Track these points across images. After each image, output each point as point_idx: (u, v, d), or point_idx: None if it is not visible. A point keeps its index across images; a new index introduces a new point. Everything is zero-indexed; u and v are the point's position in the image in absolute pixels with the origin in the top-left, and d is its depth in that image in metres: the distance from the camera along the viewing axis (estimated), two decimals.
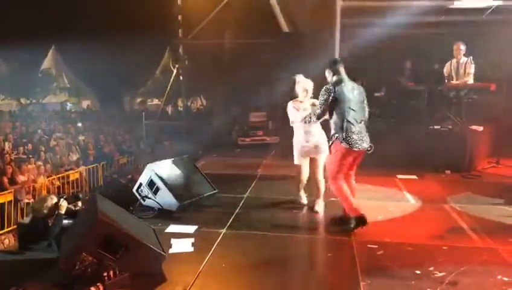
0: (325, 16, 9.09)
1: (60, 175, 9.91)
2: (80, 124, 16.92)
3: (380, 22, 9.08)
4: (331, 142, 4.32)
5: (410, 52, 8.71)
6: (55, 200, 3.95)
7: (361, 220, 4.12)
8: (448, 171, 6.82)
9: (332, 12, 8.75)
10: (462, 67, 7.14)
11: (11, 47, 20.52)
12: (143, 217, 4.70)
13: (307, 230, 4.52)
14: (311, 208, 4.97)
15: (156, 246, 3.45)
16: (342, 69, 4.29)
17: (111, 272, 3.10)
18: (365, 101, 4.38)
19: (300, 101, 4.92)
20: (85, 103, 28.41)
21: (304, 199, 5.17)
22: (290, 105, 4.95)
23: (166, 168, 5.25)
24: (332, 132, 4.27)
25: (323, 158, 4.85)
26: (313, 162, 4.96)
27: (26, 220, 4.26)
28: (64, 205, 3.98)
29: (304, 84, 4.89)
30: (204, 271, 3.46)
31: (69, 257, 3.16)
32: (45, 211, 3.87)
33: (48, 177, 9.68)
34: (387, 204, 5.25)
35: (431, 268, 3.44)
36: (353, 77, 4.49)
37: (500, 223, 4.58)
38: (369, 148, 4.25)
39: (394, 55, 8.79)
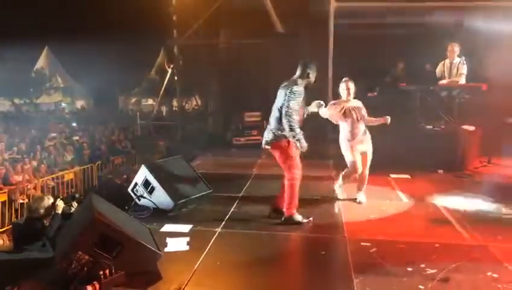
0: (318, 16, 9.17)
1: (54, 175, 9.88)
2: (74, 124, 16.87)
3: (372, 22, 9.18)
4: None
5: (403, 53, 8.79)
6: (51, 200, 3.96)
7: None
8: (440, 171, 6.90)
9: (326, 13, 8.83)
10: (455, 68, 7.22)
11: (4, 47, 20.41)
12: (138, 216, 4.73)
13: (301, 229, 4.56)
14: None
15: (151, 244, 3.48)
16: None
17: (107, 271, 3.12)
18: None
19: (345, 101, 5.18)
20: (79, 103, 28.33)
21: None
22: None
23: (161, 168, 5.28)
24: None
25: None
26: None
27: (22, 220, 4.27)
28: (60, 205, 4.00)
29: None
30: (199, 269, 3.49)
31: (65, 255, 3.18)
32: (42, 211, 3.89)
33: (42, 177, 9.65)
34: (380, 203, 5.31)
35: (423, 265, 3.50)
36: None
37: (490, 221, 4.66)
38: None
39: (386, 56, 8.86)
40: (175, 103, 21.26)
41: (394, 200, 5.50)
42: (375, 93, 8.45)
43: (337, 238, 4.16)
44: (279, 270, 3.63)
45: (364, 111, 5.20)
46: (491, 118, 7.51)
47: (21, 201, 8.74)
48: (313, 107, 4.76)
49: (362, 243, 3.97)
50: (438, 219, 4.74)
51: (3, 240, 7.43)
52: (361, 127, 5.15)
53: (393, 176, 6.60)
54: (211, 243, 4.03)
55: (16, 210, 8.55)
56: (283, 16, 9.93)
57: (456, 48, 7.29)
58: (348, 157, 5.15)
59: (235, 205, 5.24)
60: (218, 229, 4.38)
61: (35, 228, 3.84)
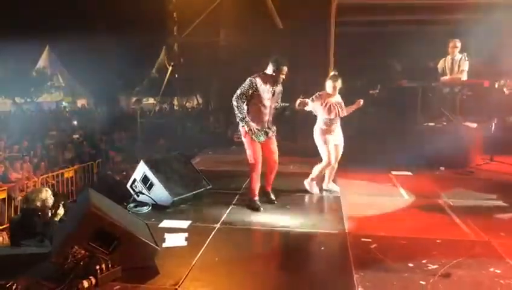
0: (319, 13, 9.12)
1: (54, 173, 9.86)
2: (75, 122, 16.87)
3: (373, 19, 9.13)
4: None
5: (403, 49, 8.73)
6: (49, 193, 3.92)
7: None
8: (442, 168, 6.85)
9: (327, 10, 8.79)
10: (457, 64, 7.17)
11: (5, 46, 20.40)
12: (137, 212, 4.69)
13: (299, 225, 4.50)
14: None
15: (149, 239, 3.43)
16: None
17: (103, 266, 3.08)
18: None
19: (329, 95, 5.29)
20: (80, 102, 28.33)
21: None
22: None
23: (160, 164, 5.24)
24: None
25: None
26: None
27: (19, 214, 4.24)
28: (60, 213, 3.96)
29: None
30: (197, 265, 3.44)
31: (60, 250, 3.14)
32: (38, 203, 3.85)
33: (42, 175, 9.63)
34: (381, 199, 5.26)
35: (424, 261, 3.45)
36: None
37: (493, 218, 4.61)
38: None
39: (387, 52, 8.82)
40: (176, 102, 21.25)
41: (395, 196, 5.44)
42: (377, 91, 8.41)
43: (337, 234, 4.11)
44: (279, 266, 3.58)
45: (343, 105, 5.31)
46: (494, 114, 7.46)
47: (20, 198, 8.72)
48: (297, 104, 4.99)
49: (363, 239, 3.92)
50: (440, 215, 4.69)
51: (2, 237, 7.39)
52: (339, 122, 5.33)
53: (394, 173, 6.54)
54: (209, 238, 3.98)
55: (16, 207, 8.53)
56: (284, 12, 9.89)
57: (458, 44, 7.23)
58: (324, 151, 5.24)
59: (234, 201, 5.20)
60: (217, 225, 4.34)
61: (31, 221, 3.80)
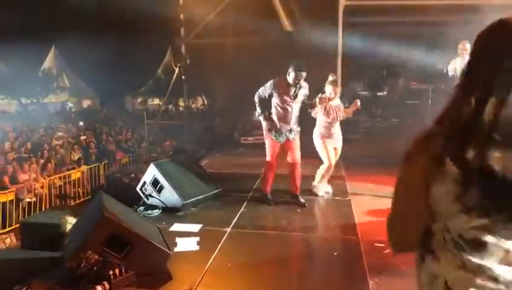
0: (327, 15, 9.08)
1: (61, 174, 9.88)
2: (81, 123, 16.91)
3: (382, 20, 9.08)
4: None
5: (412, 50, 8.68)
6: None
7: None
8: None
9: (335, 11, 8.75)
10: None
11: (11, 46, 20.49)
12: (147, 215, 4.68)
13: (312, 229, 4.49)
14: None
15: (161, 244, 3.42)
16: None
17: (117, 271, 3.07)
18: None
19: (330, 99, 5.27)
20: (85, 103, 28.42)
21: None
22: None
23: (170, 167, 5.23)
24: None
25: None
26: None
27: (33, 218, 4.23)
28: (71, 221, 3.94)
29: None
30: (210, 270, 3.43)
31: (74, 255, 3.13)
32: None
33: (49, 176, 9.65)
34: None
35: None
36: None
37: None
38: None
39: (395, 54, 8.77)
40: (181, 103, 21.27)
41: None
42: (385, 93, 8.37)
43: (350, 239, 4.08)
44: (291, 271, 3.56)
45: (342, 108, 5.34)
46: None
47: (28, 200, 8.75)
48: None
49: (376, 244, 3.88)
50: None
51: (10, 239, 7.42)
52: (338, 125, 5.35)
53: None
54: (221, 243, 3.96)
55: (23, 209, 8.56)
56: (292, 14, 9.86)
57: (467, 46, 7.16)
58: (323, 154, 5.30)
59: (244, 204, 5.17)
60: (228, 229, 4.32)
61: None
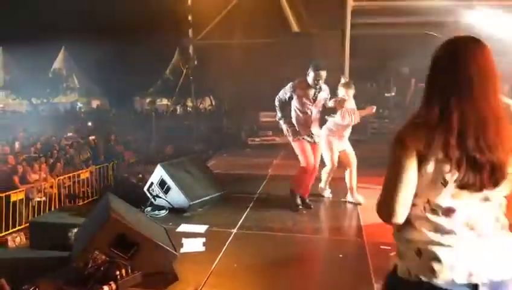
0: (335, 16, 9.06)
1: (70, 174, 9.98)
2: (90, 124, 17.07)
3: (389, 21, 9.04)
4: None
5: (421, 52, 8.63)
6: None
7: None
8: None
9: (343, 12, 8.72)
10: None
11: (22, 47, 20.75)
12: (154, 216, 4.72)
13: (318, 230, 4.49)
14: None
15: (167, 245, 3.45)
16: None
17: (123, 271, 3.10)
18: None
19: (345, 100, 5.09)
20: (95, 103, 28.67)
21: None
22: None
23: (177, 168, 5.26)
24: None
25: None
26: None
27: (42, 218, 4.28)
28: None
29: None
30: (215, 271, 3.44)
31: (81, 255, 3.17)
32: None
33: (58, 176, 9.76)
34: None
35: None
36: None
37: None
38: None
39: (405, 55, 8.72)
40: (189, 103, 21.36)
41: None
42: (393, 94, 8.33)
43: (355, 241, 4.07)
44: (297, 274, 3.55)
45: (357, 112, 5.14)
46: None
47: (38, 199, 8.85)
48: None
49: (382, 247, 3.87)
50: None
51: (20, 237, 7.50)
52: (349, 129, 5.22)
53: None
54: (226, 244, 3.98)
55: (33, 208, 8.66)
56: (299, 15, 9.86)
57: None
58: (328, 155, 5.14)
59: (250, 205, 5.19)
60: (234, 230, 4.33)
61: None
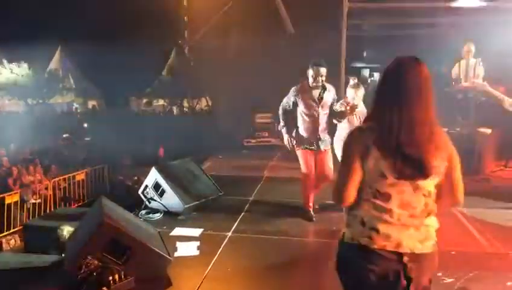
0: (331, 17, 9.07)
1: (66, 176, 9.93)
2: (85, 125, 17.00)
3: (384, 23, 9.06)
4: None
5: (416, 53, 8.64)
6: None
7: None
8: None
9: (339, 14, 8.73)
10: (472, 69, 7.06)
11: (18, 47, 20.66)
12: (148, 219, 4.70)
13: (313, 234, 4.48)
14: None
15: (161, 249, 3.43)
16: None
17: (116, 276, 3.09)
18: None
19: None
20: (91, 103, 28.54)
21: None
22: None
23: (171, 170, 5.24)
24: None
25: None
26: None
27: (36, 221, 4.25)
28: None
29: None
30: (209, 275, 3.44)
31: (74, 260, 3.15)
32: None
33: (53, 178, 9.71)
34: None
35: (439, 274, 3.39)
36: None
37: (510, 228, 4.52)
38: None
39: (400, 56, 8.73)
40: (186, 104, 21.33)
41: None
42: None
43: None
44: (291, 277, 3.55)
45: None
46: (508, 120, 7.32)
47: (33, 201, 8.81)
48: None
49: None
50: (455, 225, 4.61)
51: (15, 240, 7.47)
52: None
53: None
54: (221, 247, 3.97)
55: (28, 210, 8.62)
56: (294, 16, 9.85)
57: (472, 48, 7.12)
58: None
59: (245, 208, 5.18)
60: (229, 234, 4.32)
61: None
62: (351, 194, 1.78)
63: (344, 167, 1.79)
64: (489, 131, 7.03)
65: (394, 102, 1.72)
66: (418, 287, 1.80)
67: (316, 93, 4.49)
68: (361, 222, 1.78)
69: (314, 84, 4.44)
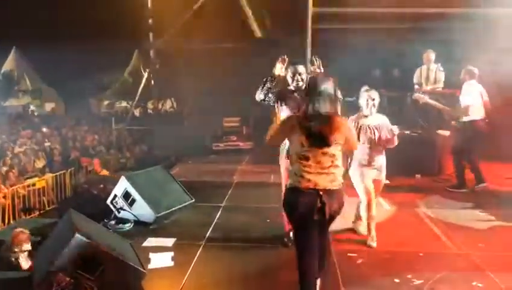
0: (296, 21, 9.18)
1: (25, 183, 9.49)
2: (44, 129, 16.30)
3: (351, 28, 9.26)
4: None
5: (380, 59, 8.92)
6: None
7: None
8: (418, 176, 7.00)
9: (304, 18, 8.84)
10: (432, 74, 7.38)
11: None
12: (118, 230, 4.58)
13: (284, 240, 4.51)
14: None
15: (135, 262, 3.36)
16: None
17: None
18: None
19: (365, 116, 4.22)
20: (49, 106, 27.43)
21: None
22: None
23: (141, 179, 5.14)
24: None
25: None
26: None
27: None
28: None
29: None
30: (186, 286, 3.40)
31: (44, 277, 3.03)
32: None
33: (12, 185, 9.25)
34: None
35: (409, 276, 3.53)
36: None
37: (470, 228, 4.75)
38: None
39: (364, 62, 8.95)
40: (150, 105, 20.88)
41: (376, 206, 5.51)
42: (355, 98, 8.52)
43: None
44: (267, 284, 3.57)
45: (389, 129, 4.21)
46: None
47: None
48: None
49: (349, 254, 3.97)
50: (420, 227, 4.80)
51: None
52: (381, 151, 4.27)
53: None
54: (195, 257, 3.94)
55: None
56: (262, 21, 9.91)
57: (432, 55, 7.44)
58: (360, 188, 4.24)
59: (218, 215, 5.16)
60: (203, 243, 4.29)
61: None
62: (274, 143, 3.32)
63: (280, 130, 3.03)
64: (448, 133, 7.35)
65: (310, 101, 2.85)
66: (330, 209, 2.80)
67: (299, 97, 3.78)
68: (295, 173, 2.86)
69: (293, 83, 4.01)
